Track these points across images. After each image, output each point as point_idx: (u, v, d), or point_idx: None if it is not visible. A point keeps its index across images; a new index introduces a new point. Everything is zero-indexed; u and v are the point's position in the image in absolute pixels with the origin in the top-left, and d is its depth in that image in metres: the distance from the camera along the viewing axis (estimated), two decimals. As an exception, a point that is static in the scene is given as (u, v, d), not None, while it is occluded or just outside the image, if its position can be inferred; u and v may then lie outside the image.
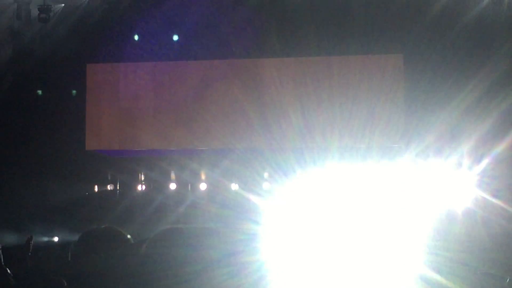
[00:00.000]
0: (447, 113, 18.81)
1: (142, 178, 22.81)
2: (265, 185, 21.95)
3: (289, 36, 19.55)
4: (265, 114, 19.56)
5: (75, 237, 17.56)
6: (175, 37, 19.97)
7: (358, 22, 18.62)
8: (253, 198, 22.18)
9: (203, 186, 22.40)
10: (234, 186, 22.67)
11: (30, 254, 4.25)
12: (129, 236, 4.36)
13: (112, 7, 19.92)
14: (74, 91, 20.33)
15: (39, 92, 20.54)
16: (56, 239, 18.93)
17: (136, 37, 19.98)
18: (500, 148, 19.42)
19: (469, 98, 18.78)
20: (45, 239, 18.88)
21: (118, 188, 23.12)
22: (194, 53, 19.92)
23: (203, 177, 22.38)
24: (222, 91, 19.82)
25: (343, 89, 19.41)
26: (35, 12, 19.65)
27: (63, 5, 20.13)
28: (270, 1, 18.88)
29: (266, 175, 22.01)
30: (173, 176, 22.23)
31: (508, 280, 10.79)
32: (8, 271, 4.12)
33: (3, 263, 4.12)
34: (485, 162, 19.76)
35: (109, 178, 22.80)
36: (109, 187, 22.95)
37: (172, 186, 22.34)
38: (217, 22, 19.56)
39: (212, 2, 19.45)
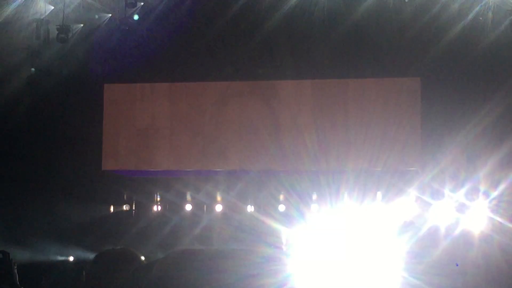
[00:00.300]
0: (464, 137, 18.74)
1: (158, 199, 22.83)
2: (281, 208, 21.92)
3: (306, 58, 19.57)
4: (281, 136, 19.54)
5: (90, 258, 17.57)
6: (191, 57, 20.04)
7: (375, 45, 18.62)
8: (268, 220, 22.16)
9: (218, 208, 22.36)
10: (250, 208, 22.65)
11: (15, 269, 4.18)
12: (143, 258, 4.34)
13: (131, 28, 20.04)
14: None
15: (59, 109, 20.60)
16: (71, 258, 18.94)
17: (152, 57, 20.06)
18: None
19: (485, 122, 18.72)
20: (61, 258, 18.88)
21: (133, 208, 23.15)
22: (211, 74, 19.96)
23: (218, 198, 22.36)
24: (238, 113, 19.83)
25: (359, 112, 19.38)
26: (54, 32, 19.74)
27: (81, 25, 20.25)
28: (287, 23, 18.90)
29: (281, 197, 21.99)
30: (188, 197, 22.23)
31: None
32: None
33: (18, 283, 4.11)
34: (502, 187, 19.66)
35: (125, 198, 22.83)
36: (124, 208, 22.97)
37: (188, 207, 22.32)
38: (234, 43, 19.61)
39: (229, 24, 19.51)
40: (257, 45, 19.41)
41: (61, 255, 19.90)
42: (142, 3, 19.69)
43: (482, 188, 20.22)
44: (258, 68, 20.20)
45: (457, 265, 14.70)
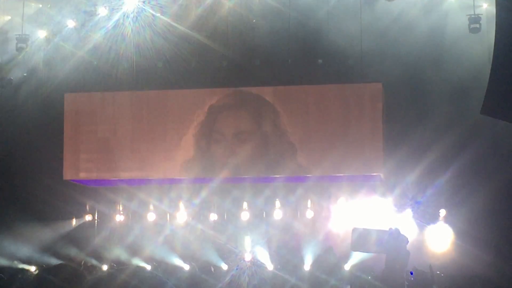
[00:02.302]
0: (425, 141, 18.84)
1: (121, 208, 22.60)
2: (244, 216, 21.84)
3: (267, 64, 19.58)
4: (242, 144, 19.50)
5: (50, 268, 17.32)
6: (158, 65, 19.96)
7: (336, 50, 18.68)
8: (231, 228, 22.10)
9: (181, 217, 22.17)
10: (213, 217, 22.52)
11: None
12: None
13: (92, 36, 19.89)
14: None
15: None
16: (33, 269, 18.71)
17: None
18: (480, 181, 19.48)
19: (447, 127, 18.84)
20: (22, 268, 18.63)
21: (96, 218, 22.90)
22: (172, 82, 19.89)
23: (181, 207, 22.20)
24: (199, 120, 19.76)
25: (321, 118, 19.40)
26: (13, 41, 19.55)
27: (41, 35, 20.05)
28: (249, 30, 18.89)
29: (245, 205, 21.92)
30: (151, 206, 22.02)
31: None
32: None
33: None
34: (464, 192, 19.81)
35: (87, 208, 22.58)
36: (87, 218, 22.72)
37: (151, 216, 22.10)
38: (196, 51, 19.56)
39: (190, 33, 19.45)
40: (217, 52, 19.37)
41: (24, 265, 19.60)
42: (99, 14, 19.51)
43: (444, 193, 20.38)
44: (220, 75, 20.15)
45: (411, 273, 14.65)
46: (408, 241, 4.44)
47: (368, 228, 4.85)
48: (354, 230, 4.62)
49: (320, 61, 19.70)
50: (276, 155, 19.44)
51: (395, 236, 4.41)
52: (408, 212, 21.07)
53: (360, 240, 4.61)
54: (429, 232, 21.01)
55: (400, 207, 20.41)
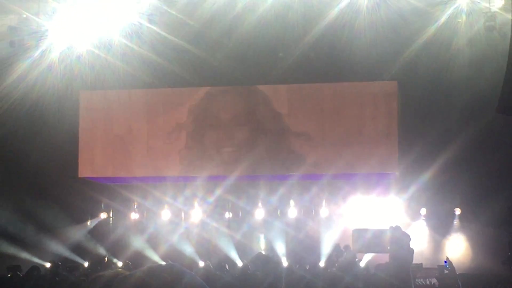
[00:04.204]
0: (441, 140, 18.78)
1: (135, 206, 22.67)
2: (259, 214, 21.85)
3: (281, 62, 19.54)
4: (258, 142, 19.52)
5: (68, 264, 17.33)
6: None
7: (351, 49, 18.62)
8: (246, 226, 22.16)
9: (196, 215, 22.21)
10: (228, 215, 22.59)
11: None
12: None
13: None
14: None
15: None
16: (48, 265, 18.73)
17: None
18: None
19: (463, 125, 18.78)
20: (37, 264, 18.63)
21: (111, 216, 22.98)
22: (188, 80, 19.88)
23: (196, 205, 22.24)
24: (215, 118, 19.78)
25: (336, 116, 19.40)
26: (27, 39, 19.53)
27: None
28: (262, 28, 18.86)
29: (260, 203, 21.95)
30: (166, 204, 22.07)
31: None
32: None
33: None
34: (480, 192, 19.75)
35: (102, 205, 22.65)
36: (102, 215, 22.79)
37: (165, 214, 22.15)
38: (210, 49, 19.55)
39: (205, 30, 19.44)
40: (233, 50, 19.35)
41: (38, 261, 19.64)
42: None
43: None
44: (235, 73, 20.13)
45: (445, 262, 14.63)
46: (410, 239, 4.45)
47: (368, 229, 4.86)
48: (354, 231, 4.63)
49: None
50: (292, 154, 19.43)
51: (396, 234, 4.42)
52: (423, 211, 21.08)
53: (361, 241, 4.63)
54: (444, 232, 21.00)
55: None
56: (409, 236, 4.01)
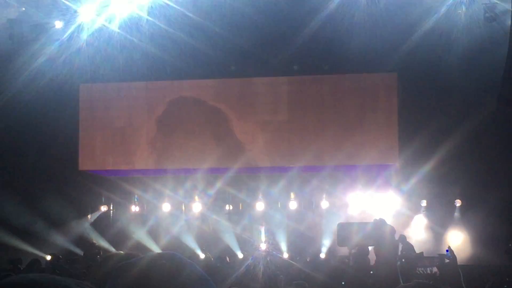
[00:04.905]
0: (441, 131, 18.76)
1: (136, 199, 22.68)
2: (259, 206, 21.86)
3: (281, 54, 19.52)
4: (258, 134, 19.52)
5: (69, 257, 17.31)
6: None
7: (350, 40, 18.60)
8: (246, 219, 22.17)
9: (196, 207, 22.21)
10: (228, 207, 22.63)
11: None
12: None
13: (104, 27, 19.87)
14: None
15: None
16: (48, 257, 18.74)
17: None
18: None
19: (463, 117, 18.76)
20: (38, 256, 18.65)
21: (111, 208, 22.98)
22: (187, 72, 19.86)
23: (196, 198, 22.24)
24: (215, 110, 19.77)
25: (336, 108, 19.40)
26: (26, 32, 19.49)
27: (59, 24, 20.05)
28: (261, 19, 18.84)
29: (260, 195, 21.96)
30: (166, 197, 22.07)
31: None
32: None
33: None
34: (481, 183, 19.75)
35: (103, 198, 22.66)
36: (102, 208, 22.80)
37: (166, 207, 22.14)
38: (209, 41, 19.52)
39: (203, 22, 19.41)
40: (232, 42, 19.33)
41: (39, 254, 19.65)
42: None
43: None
44: (235, 65, 20.13)
45: (447, 251, 14.60)
46: (394, 231, 4.44)
47: (352, 222, 4.86)
48: (338, 225, 4.62)
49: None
50: (292, 145, 19.44)
51: (379, 227, 4.40)
52: (423, 202, 21.09)
53: (345, 234, 4.61)
54: (444, 223, 21.02)
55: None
56: (393, 228, 4.02)
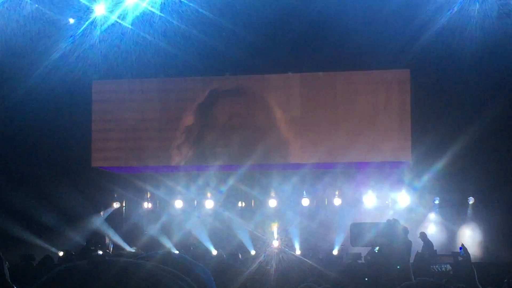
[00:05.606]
0: (454, 128, 18.69)
1: (148, 196, 22.71)
2: (272, 203, 21.85)
3: (294, 52, 19.49)
4: (271, 131, 19.50)
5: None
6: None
7: (363, 37, 18.54)
8: (259, 216, 22.15)
9: (209, 204, 22.22)
10: (241, 204, 22.66)
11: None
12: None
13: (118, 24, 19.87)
14: None
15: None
16: (61, 253, 18.79)
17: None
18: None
19: (476, 113, 18.68)
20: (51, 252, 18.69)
21: (124, 205, 23.03)
22: (200, 69, 19.85)
23: (208, 195, 22.25)
24: (227, 108, 19.77)
25: (349, 105, 19.35)
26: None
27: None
28: (274, 17, 18.80)
29: (272, 193, 21.94)
30: (178, 193, 22.09)
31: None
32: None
33: (9, 281, 3.98)
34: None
35: (115, 195, 22.70)
36: (115, 205, 22.84)
37: (178, 203, 22.17)
38: (222, 38, 19.49)
39: (216, 20, 19.39)
40: (246, 39, 19.30)
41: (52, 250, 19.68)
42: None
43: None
44: (248, 62, 20.10)
45: (460, 248, 14.54)
46: (408, 231, 4.42)
47: (365, 222, 4.85)
48: (352, 225, 4.61)
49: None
50: (304, 142, 19.41)
51: (392, 226, 4.38)
52: (436, 200, 21.04)
53: (359, 234, 4.60)
54: (457, 221, 20.96)
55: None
56: (406, 228, 3.98)
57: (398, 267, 4.14)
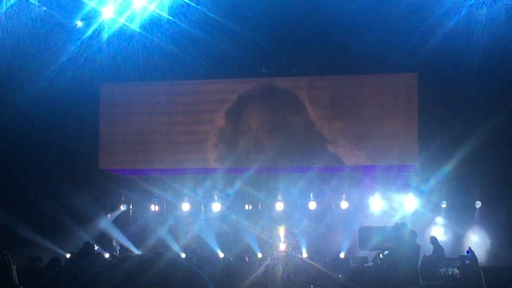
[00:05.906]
0: (461, 132, 18.67)
1: (155, 198, 22.73)
2: (279, 206, 21.85)
3: (302, 55, 19.50)
4: (278, 134, 19.49)
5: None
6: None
7: (371, 41, 18.55)
8: (265, 219, 22.15)
9: (216, 207, 22.23)
10: (248, 207, 22.65)
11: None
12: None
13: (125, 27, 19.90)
14: None
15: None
16: (68, 255, 18.82)
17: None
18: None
19: (483, 118, 18.66)
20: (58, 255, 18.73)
21: (131, 207, 23.05)
22: (208, 73, 19.87)
23: (216, 197, 22.27)
24: (235, 111, 19.78)
25: (356, 108, 19.35)
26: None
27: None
28: (285, 21, 18.82)
29: (279, 196, 21.96)
30: (186, 196, 22.12)
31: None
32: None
33: (17, 282, 4.01)
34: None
35: (122, 197, 22.73)
36: (122, 207, 22.87)
37: (185, 206, 22.20)
38: (234, 42, 19.52)
39: (228, 23, 19.41)
40: (254, 42, 19.31)
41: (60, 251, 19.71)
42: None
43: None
44: (256, 65, 20.11)
45: (467, 252, 14.54)
46: (416, 234, 4.43)
47: (373, 226, 4.87)
48: (360, 229, 4.64)
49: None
50: (307, 145, 19.40)
51: (400, 230, 4.40)
52: (443, 203, 21.02)
53: (367, 238, 4.63)
54: (464, 225, 20.93)
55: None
56: (413, 231, 3.98)
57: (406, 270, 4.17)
